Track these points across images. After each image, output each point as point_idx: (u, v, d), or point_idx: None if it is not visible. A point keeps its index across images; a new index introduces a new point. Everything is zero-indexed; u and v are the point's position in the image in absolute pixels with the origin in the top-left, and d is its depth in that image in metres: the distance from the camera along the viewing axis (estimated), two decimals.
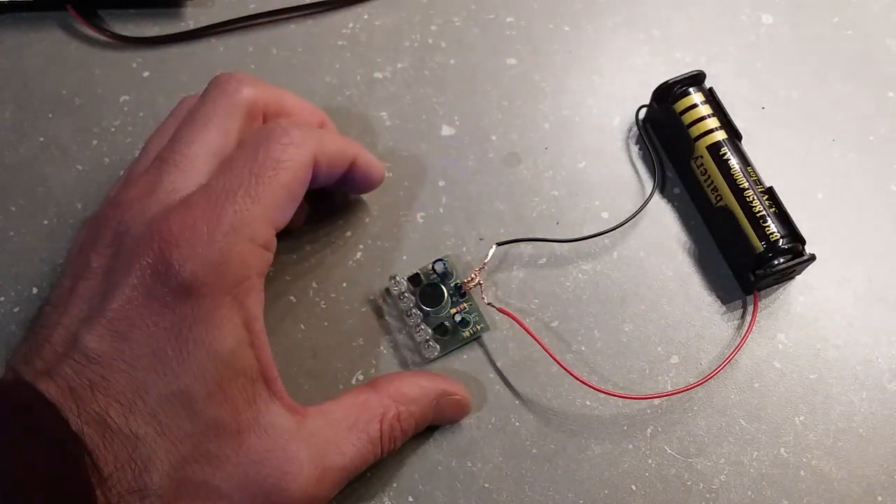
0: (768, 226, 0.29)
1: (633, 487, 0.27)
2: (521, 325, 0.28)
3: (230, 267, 0.22)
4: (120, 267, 0.22)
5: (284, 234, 0.31)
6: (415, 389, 0.26)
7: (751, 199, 0.29)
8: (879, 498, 0.27)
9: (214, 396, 0.21)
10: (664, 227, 0.32)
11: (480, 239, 0.31)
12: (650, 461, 0.28)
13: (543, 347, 0.28)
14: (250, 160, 0.24)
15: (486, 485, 0.28)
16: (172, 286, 0.21)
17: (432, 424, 0.28)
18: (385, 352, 0.30)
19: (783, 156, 0.33)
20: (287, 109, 0.27)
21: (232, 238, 0.22)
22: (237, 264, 0.22)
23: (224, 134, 0.25)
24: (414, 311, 0.29)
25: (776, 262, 0.28)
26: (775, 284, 0.30)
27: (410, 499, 0.27)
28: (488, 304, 0.29)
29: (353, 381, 0.29)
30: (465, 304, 0.30)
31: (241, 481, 0.22)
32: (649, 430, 0.28)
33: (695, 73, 0.32)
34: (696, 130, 0.31)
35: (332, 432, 0.24)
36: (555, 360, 0.28)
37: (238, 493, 0.22)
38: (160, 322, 0.21)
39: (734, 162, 0.30)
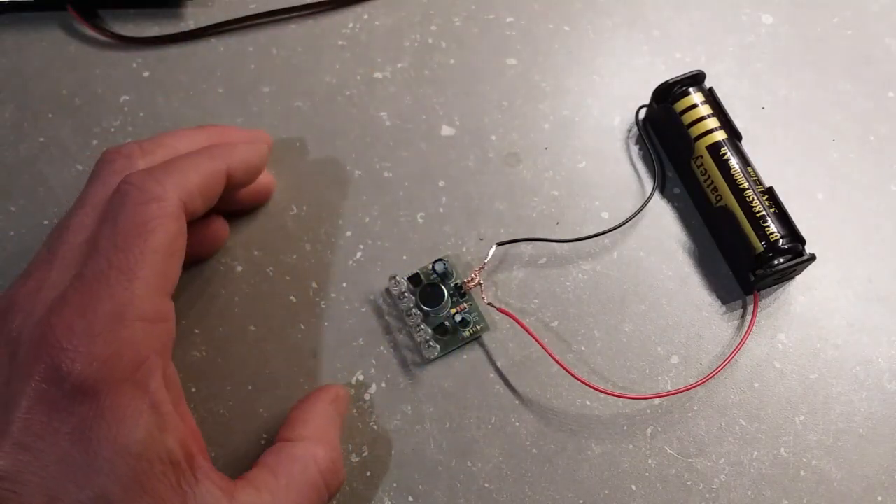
0: (768, 226, 0.29)
1: (633, 487, 0.27)
2: (521, 325, 0.28)
3: (121, 356, 0.21)
4: (16, 378, 0.21)
5: (276, 236, 0.31)
6: (321, 419, 0.26)
7: (751, 199, 0.29)
8: (879, 498, 0.27)
9: (132, 491, 0.20)
10: (664, 227, 0.32)
11: (480, 239, 0.31)
12: (650, 461, 0.28)
13: (543, 347, 0.28)
14: (112, 234, 0.22)
15: (486, 485, 0.28)
16: (67, 390, 0.20)
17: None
18: (385, 352, 0.30)
19: (783, 156, 0.33)
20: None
21: (115, 325, 0.21)
22: (128, 351, 0.21)
23: None
24: (414, 311, 0.29)
25: (776, 262, 0.28)
26: (775, 284, 0.30)
27: (410, 499, 0.27)
28: (488, 304, 0.29)
29: (353, 381, 0.29)
30: (465, 304, 0.30)
31: None
32: (649, 430, 0.28)
33: (695, 73, 0.32)
34: (696, 130, 0.31)
35: (271, 497, 0.23)
36: (555, 360, 0.28)
37: None
38: (62, 428, 0.20)
39: (734, 162, 0.30)
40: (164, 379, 0.22)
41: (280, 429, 0.26)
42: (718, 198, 0.30)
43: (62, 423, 0.20)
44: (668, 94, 0.32)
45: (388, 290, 0.30)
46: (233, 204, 0.30)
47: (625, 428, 0.28)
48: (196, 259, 0.30)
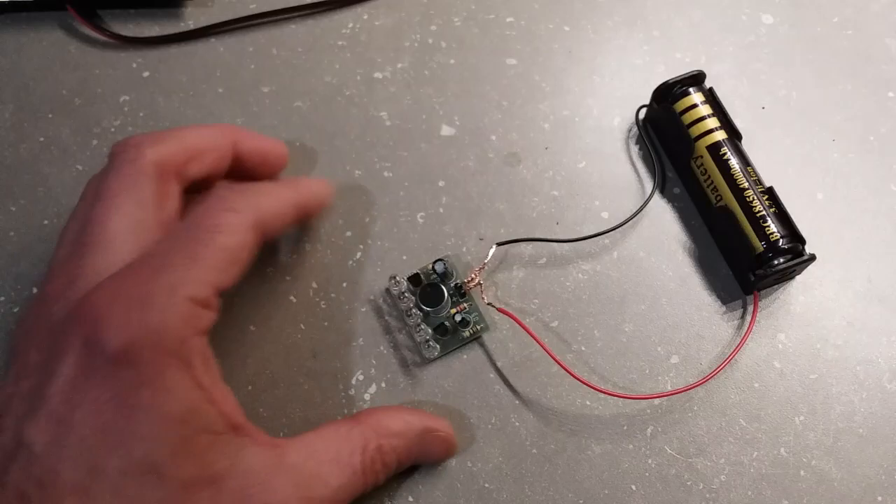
0: (768, 226, 0.29)
1: (633, 487, 0.27)
2: (521, 325, 0.28)
3: (171, 328, 0.21)
4: (55, 354, 0.21)
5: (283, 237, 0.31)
6: (398, 423, 0.26)
7: (751, 199, 0.29)
8: (879, 498, 0.27)
9: (179, 455, 0.20)
10: (664, 227, 0.32)
11: (480, 239, 0.31)
12: (650, 461, 0.28)
13: (543, 347, 0.28)
14: (187, 228, 0.23)
15: (486, 485, 0.28)
16: (109, 355, 0.20)
17: (417, 463, 0.27)
18: (385, 352, 0.30)
19: (783, 156, 0.33)
20: (194, 151, 0.27)
21: (170, 298, 0.21)
22: (178, 324, 0.21)
23: (138, 204, 0.24)
24: (414, 311, 0.29)
25: (776, 262, 0.28)
26: (775, 284, 0.30)
27: (410, 499, 0.27)
28: (488, 304, 0.29)
29: (353, 381, 0.29)
30: (465, 304, 0.30)
31: None
32: (649, 430, 0.28)
33: (695, 73, 0.32)
34: (696, 130, 0.31)
35: (315, 464, 0.23)
36: (555, 360, 0.28)
37: None
38: (101, 395, 0.20)
39: (734, 162, 0.30)
40: (203, 359, 0.22)
41: (365, 410, 0.27)
42: (718, 198, 0.30)
43: (103, 389, 0.20)
44: (668, 95, 0.32)
45: (388, 290, 0.30)
46: None
47: (625, 428, 0.28)
48: None
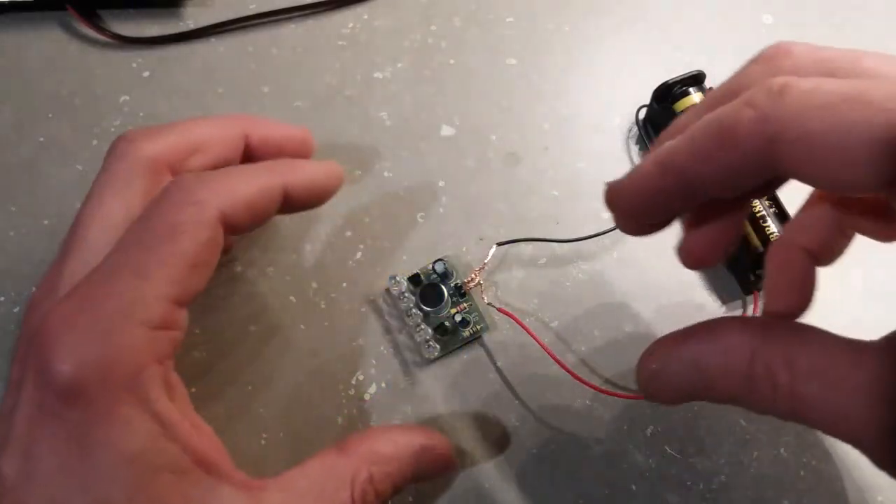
0: (768, 226, 0.29)
1: (633, 487, 0.27)
2: (521, 325, 0.28)
3: (119, 360, 0.19)
4: (22, 380, 0.20)
5: (276, 236, 0.31)
6: (389, 447, 0.24)
7: None
8: (879, 498, 0.27)
9: (135, 498, 0.19)
10: None
11: (480, 239, 0.31)
12: (650, 461, 0.28)
13: (543, 347, 0.28)
14: (141, 231, 0.21)
15: (486, 485, 0.28)
16: (58, 392, 0.19)
17: (416, 482, 0.25)
18: (385, 352, 0.30)
19: None
20: (199, 143, 0.25)
21: (117, 326, 0.19)
22: (128, 355, 0.19)
23: (124, 203, 0.22)
24: (414, 311, 0.29)
25: None
26: None
27: (410, 499, 0.27)
28: (488, 304, 0.29)
29: (353, 381, 0.29)
30: (465, 304, 0.30)
31: None
32: (649, 430, 0.28)
33: (695, 73, 0.32)
34: None
35: None
36: (555, 359, 0.28)
37: None
38: (57, 433, 0.19)
39: None
40: (167, 387, 0.21)
41: (352, 434, 0.25)
42: None
43: (58, 427, 0.19)
44: (668, 95, 0.32)
45: (388, 290, 0.30)
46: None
47: (625, 428, 0.28)
48: None
